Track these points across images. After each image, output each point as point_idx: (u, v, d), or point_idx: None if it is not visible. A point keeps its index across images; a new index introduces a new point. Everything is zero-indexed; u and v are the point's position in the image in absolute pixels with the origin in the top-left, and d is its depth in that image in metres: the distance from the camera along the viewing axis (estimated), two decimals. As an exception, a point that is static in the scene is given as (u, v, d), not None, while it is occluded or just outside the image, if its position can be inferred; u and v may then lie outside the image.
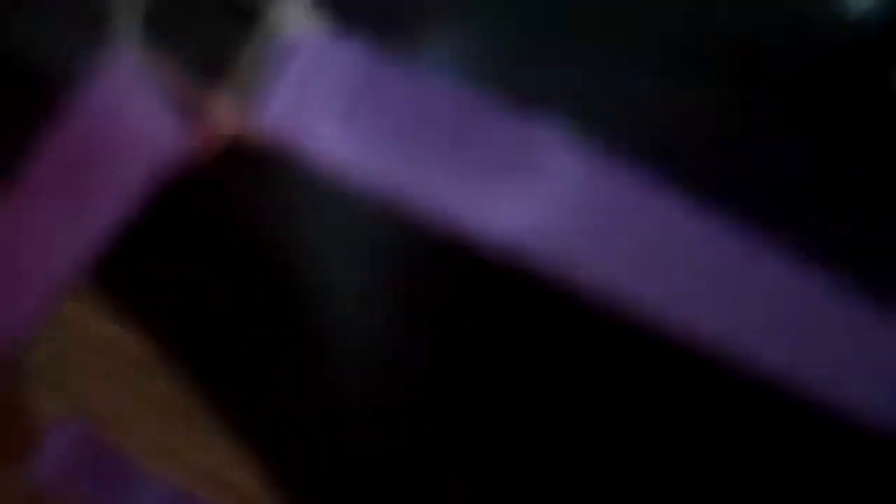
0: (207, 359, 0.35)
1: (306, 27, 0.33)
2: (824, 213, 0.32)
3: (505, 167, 0.32)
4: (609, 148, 0.32)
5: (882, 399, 0.31)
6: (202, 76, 0.33)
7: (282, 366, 0.35)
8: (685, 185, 0.32)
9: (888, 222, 0.32)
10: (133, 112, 0.33)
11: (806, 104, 0.32)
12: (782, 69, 0.32)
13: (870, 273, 0.32)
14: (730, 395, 0.32)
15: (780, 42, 0.32)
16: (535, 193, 0.31)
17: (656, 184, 0.32)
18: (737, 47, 0.32)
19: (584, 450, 0.33)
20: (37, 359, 0.47)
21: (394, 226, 0.33)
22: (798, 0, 0.32)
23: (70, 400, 0.47)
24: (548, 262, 0.31)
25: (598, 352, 0.32)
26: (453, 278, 0.33)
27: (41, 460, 0.37)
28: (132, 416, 0.47)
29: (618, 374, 0.32)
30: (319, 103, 0.32)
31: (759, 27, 0.32)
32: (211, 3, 0.33)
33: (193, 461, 0.46)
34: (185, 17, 0.33)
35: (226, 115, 0.33)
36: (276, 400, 0.35)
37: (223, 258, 0.34)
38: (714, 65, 0.32)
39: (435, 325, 0.33)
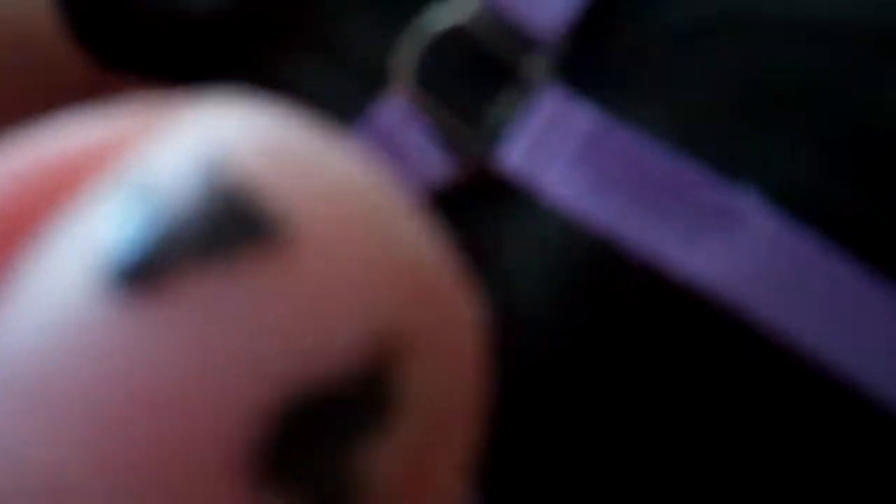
0: None
1: (550, 84, 0.39)
2: None
3: (708, 220, 0.38)
4: (791, 215, 0.38)
5: None
6: (461, 119, 0.40)
7: None
8: (850, 250, 0.38)
9: None
10: (404, 143, 0.39)
11: None
12: None
13: None
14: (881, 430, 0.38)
15: None
16: (733, 244, 0.38)
17: (828, 247, 0.38)
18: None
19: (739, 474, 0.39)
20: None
21: (596, 254, 0.39)
22: None
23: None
24: (732, 301, 0.38)
25: (757, 377, 0.39)
26: (640, 306, 0.39)
27: None
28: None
29: (775, 401, 0.38)
30: (554, 150, 0.39)
31: None
32: (472, 60, 0.40)
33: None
34: (450, 70, 0.40)
35: (477, 150, 0.40)
36: None
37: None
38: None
39: (611, 338, 0.39)
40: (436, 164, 0.39)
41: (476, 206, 0.40)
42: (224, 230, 0.09)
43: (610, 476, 0.39)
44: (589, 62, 0.40)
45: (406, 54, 0.40)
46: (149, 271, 0.09)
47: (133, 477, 0.10)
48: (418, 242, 0.10)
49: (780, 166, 0.39)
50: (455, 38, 0.40)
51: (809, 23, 0.40)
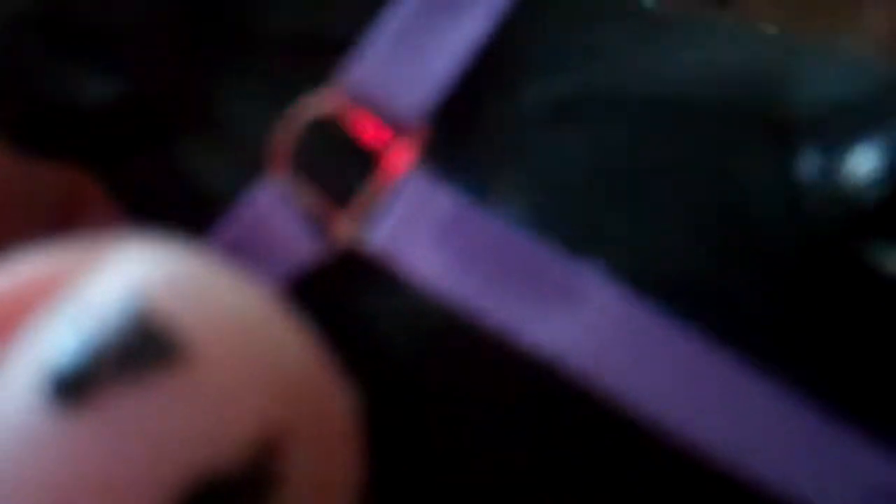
0: None
1: (413, 169, 0.42)
2: (820, 351, 0.41)
3: (556, 296, 0.41)
4: (640, 289, 0.41)
5: None
6: (331, 202, 0.42)
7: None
8: (699, 323, 0.41)
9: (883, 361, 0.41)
10: (278, 226, 0.42)
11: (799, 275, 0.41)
12: (777, 243, 0.42)
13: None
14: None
15: (779, 218, 0.42)
16: (578, 318, 0.41)
17: (675, 320, 0.41)
18: (742, 224, 0.42)
19: None
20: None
21: (452, 330, 0.42)
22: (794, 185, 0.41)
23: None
24: (581, 372, 0.41)
25: (610, 451, 0.41)
26: (498, 374, 0.42)
27: None
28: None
29: (627, 477, 0.41)
30: (415, 232, 0.42)
31: (763, 208, 0.42)
32: (341, 145, 0.43)
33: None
34: (321, 155, 0.43)
35: (345, 232, 0.42)
36: None
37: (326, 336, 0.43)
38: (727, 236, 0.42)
39: (473, 407, 0.42)
40: (307, 246, 0.42)
41: (346, 286, 0.42)
42: (138, 354, 0.12)
43: None
44: (452, 145, 0.43)
45: (282, 138, 0.42)
46: (77, 387, 0.12)
47: None
48: (295, 351, 0.13)
49: (632, 243, 0.41)
50: (325, 124, 0.42)
51: (674, 101, 0.42)
